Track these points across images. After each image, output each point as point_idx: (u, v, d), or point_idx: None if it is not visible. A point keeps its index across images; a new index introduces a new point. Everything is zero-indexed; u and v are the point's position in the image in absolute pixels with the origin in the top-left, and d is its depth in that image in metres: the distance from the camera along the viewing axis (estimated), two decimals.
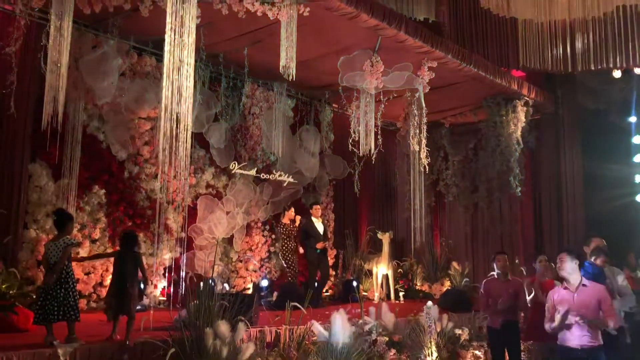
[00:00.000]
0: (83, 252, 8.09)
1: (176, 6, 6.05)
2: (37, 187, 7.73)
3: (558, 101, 12.06)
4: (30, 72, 7.43)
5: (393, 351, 6.80)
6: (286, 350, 5.99)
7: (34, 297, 6.42)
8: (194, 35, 6.13)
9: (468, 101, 11.81)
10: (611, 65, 9.77)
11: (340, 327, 5.91)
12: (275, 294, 9.50)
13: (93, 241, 8.29)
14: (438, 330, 7.51)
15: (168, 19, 6.01)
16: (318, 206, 9.97)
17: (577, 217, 11.79)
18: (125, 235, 6.12)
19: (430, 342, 7.45)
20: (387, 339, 6.83)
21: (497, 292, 6.54)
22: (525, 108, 11.19)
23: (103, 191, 8.47)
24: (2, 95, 7.06)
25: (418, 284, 12.28)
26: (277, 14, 7.38)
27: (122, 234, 6.40)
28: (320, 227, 9.83)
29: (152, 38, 8.49)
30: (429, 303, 7.71)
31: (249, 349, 5.32)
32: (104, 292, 8.42)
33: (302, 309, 6.33)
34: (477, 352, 7.92)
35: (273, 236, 10.61)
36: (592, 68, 9.43)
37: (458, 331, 7.88)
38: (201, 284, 6.07)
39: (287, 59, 7.36)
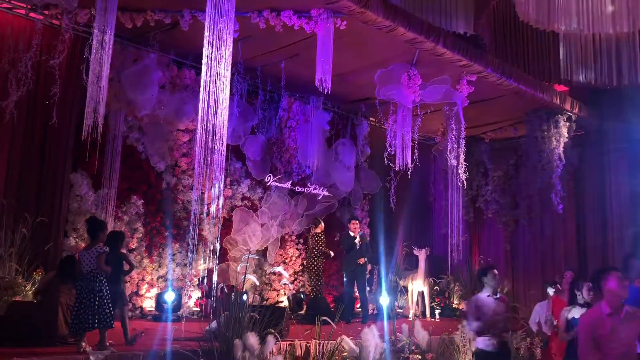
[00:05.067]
0: None
1: (214, 20, 6.15)
2: (78, 197, 7.92)
3: (603, 117, 11.69)
4: (74, 84, 7.67)
5: None
6: None
7: None
8: (231, 49, 6.21)
9: (508, 116, 11.59)
10: None
11: (370, 343, 5.82)
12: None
13: (130, 250, 8.42)
14: (473, 349, 7.30)
15: (206, 33, 6.10)
16: (355, 221, 9.87)
17: (623, 237, 11.34)
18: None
19: None
20: (419, 357, 6.68)
21: None
22: (568, 123, 10.88)
23: (141, 201, 8.62)
24: (46, 106, 7.29)
25: (455, 302, 12.01)
26: (314, 27, 7.44)
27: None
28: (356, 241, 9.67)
29: (191, 52, 8.64)
30: (465, 321, 7.52)
31: None
32: (139, 301, 8.55)
33: (332, 323, 6.26)
34: None
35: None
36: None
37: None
38: (232, 295, 6.08)
39: (323, 72, 7.38)
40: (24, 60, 6.95)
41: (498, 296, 5.89)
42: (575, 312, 5.50)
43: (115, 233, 6.63)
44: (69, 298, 5.60)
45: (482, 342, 5.62)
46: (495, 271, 5.91)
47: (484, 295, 5.79)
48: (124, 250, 6.76)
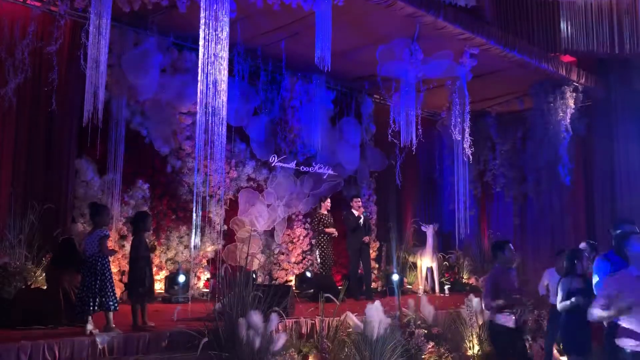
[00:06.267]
0: (128, 246, 8.31)
1: (211, 0, 6.12)
2: (84, 182, 8.00)
3: (611, 87, 11.50)
4: (75, 70, 7.65)
5: (431, 344, 6.68)
6: (320, 341, 5.97)
7: None
8: (227, 29, 6.18)
9: (514, 88, 11.45)
10: None
11: (375, 319, 5.86)
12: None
13: None
14: (480, 323, 7.34)
15: (202, 13, 6.08)
16: (358, 199, 9.85)
17: (632, 208, 11.22)
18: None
19: (472, 335, 7.30)
20: (425, 331, 6.71)
21: None
22: (574, 94, 10.74)
23: (147, 185, 8.68)
24: (49, 93, 7.32)
25: (465, 277, 12.02)
26: (312, 5, 7.35)
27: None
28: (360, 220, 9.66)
29: (191, 34, 8.60)
30: (471, 296, 7.57)
31: (282, 339, 5.34)
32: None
33: (335, 300, 6.30)
34: None
35: None
36: None
37: None
38: (237, 275, 6.12)
39: (323, 50, 7.31)
40: (21, 47, 6.97)
41: (514, 270, 5.90)
42: (575, 283, 5.50)
43: (136, 215, 6.59)
44: (73, 282, 5.68)
45: (502, 319, 5.63)
46: (511, 245, 5.91)
47: (501, 270, 5.78)
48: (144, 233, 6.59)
